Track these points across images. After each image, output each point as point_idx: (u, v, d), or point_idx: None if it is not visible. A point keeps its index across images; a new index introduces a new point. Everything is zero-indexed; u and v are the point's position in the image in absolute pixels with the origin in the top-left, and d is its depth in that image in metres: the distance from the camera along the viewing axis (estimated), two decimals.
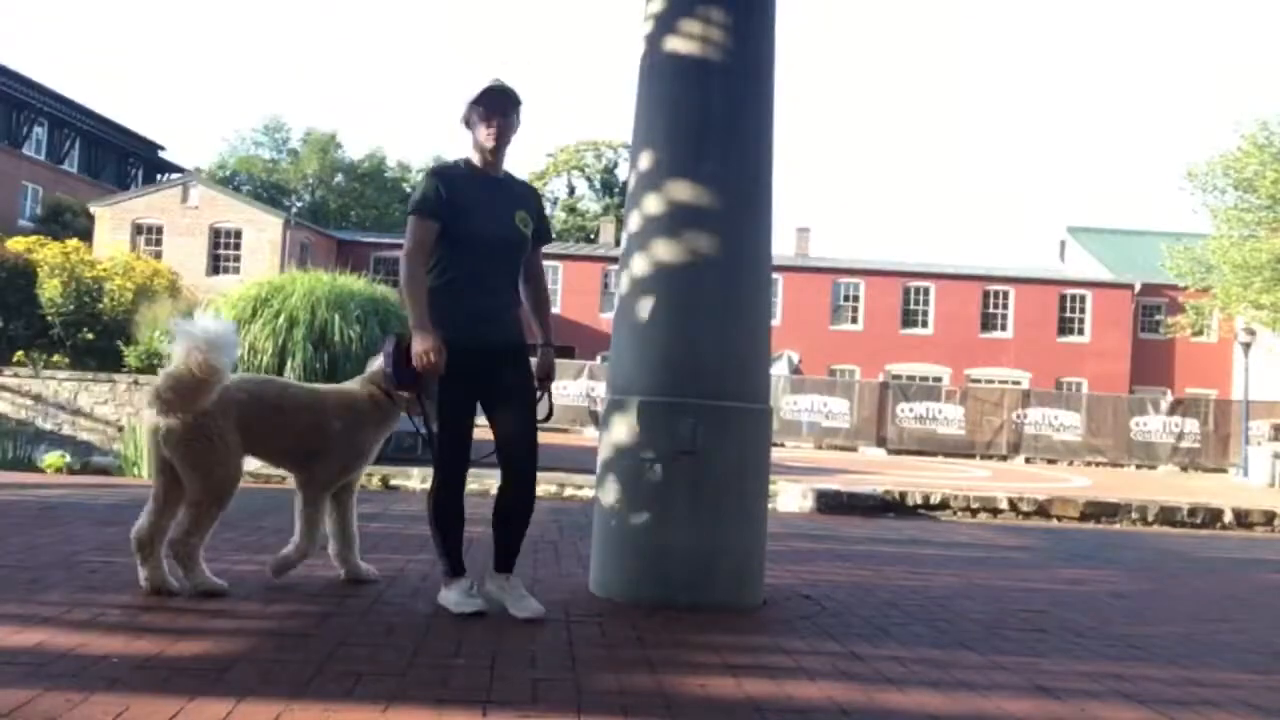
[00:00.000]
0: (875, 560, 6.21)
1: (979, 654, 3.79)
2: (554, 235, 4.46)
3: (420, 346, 3.71)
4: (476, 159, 3.96)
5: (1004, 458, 26.84)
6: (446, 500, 3.90)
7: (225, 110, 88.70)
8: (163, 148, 46.45)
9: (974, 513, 10.48)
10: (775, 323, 14.39)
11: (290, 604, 3.92)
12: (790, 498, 9.93)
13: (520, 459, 3.91)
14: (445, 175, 3.94)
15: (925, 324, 36.98)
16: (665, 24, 4.48)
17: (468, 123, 3.95)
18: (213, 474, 3.89)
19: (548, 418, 4.07)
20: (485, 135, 3.90)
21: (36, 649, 3.10)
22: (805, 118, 78.88)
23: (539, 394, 4.02)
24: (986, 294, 37.10)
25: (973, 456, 26.33)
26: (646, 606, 4.16)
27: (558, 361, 4.33)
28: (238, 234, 33.18)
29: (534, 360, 4.12)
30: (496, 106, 3.90)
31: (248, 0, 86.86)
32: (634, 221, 4.53)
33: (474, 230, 3.83)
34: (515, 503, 3.94)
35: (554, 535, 6.34)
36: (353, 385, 4.34)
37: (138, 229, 32.95)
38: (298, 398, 4.30)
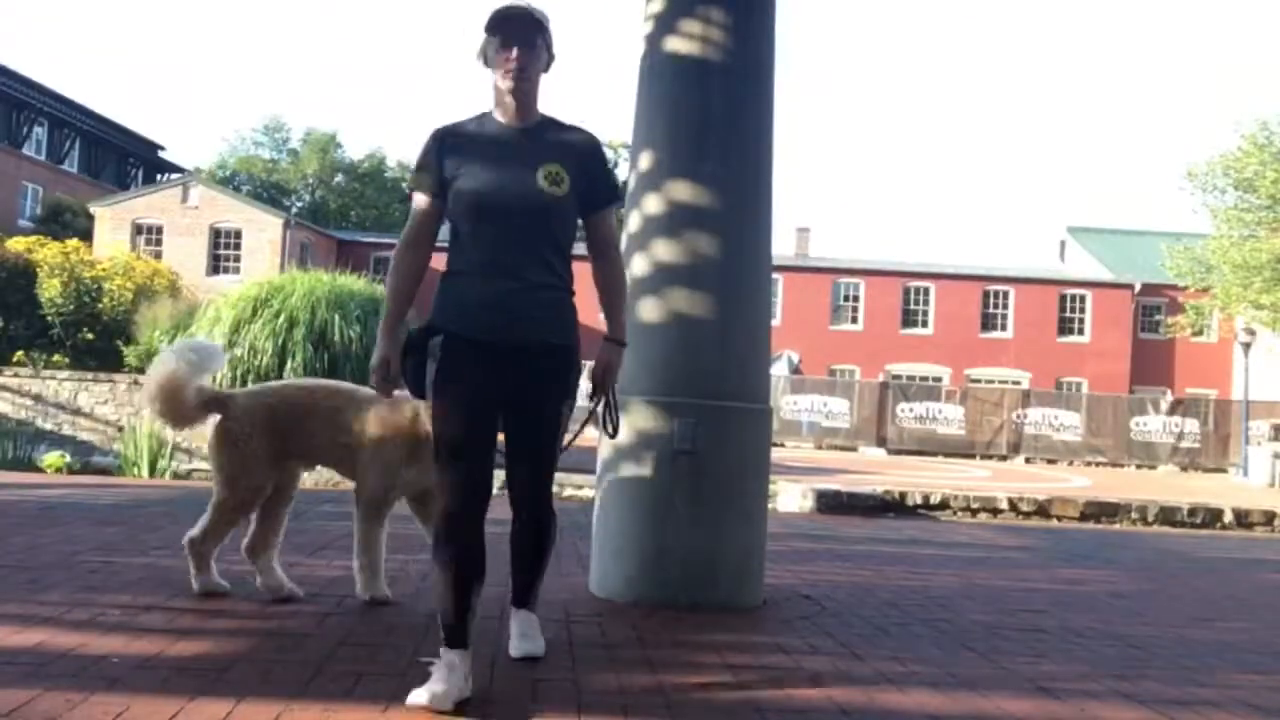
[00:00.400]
0: (875, 560, 6.20)
1: (979, 654, 3.79)
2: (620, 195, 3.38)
3: (372, 359, 3.11)
4: (498, 106, 3.09)
5: (1004, 458, 26.86)
6: (446, 536, 2.96)
7: (225, 110, 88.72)
8: (163, 148, 46.47)
9: (974, 513, 10.48)
10: (775, 323, 14.42)
11: (290, 604, 3.91)
12: (790, 498, 9.93)
13: (521, 494, 3.14)
14: (447, 135, 3.09)
15: (925, 324, 36.98)
16: (665, 24, 4.48)
17: (485, 59, 3.09)
18: (236, 479, 3.87)
19: (613, 433, 3.45)
20: (502, 72, 3.02)
21: (36, 649, 3.10)
22: (805, 118, 78.94)
23: (595, 402, 3.23)
24: (986, 294, 37.10)
25: (973, 456, 26.36)
26: (646, 606, 4.16)
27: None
28: (238, 234, 33.19)
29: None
30: (514, 34, 3.01)
31: (248, 0, 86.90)
32: (634, 221, 4.53)
33: (477, 196, 2.97)
34: (520, 543, 3.23)
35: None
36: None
37: (138, 229, 32.96)
38: (333, 402, 3.94)
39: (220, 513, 3.90)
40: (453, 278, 3.03)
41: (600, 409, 3.26)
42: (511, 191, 2.98)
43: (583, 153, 3.13)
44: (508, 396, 3.00)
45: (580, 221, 3.16)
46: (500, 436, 3.09)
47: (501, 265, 2.96)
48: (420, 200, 3.08)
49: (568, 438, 3.20)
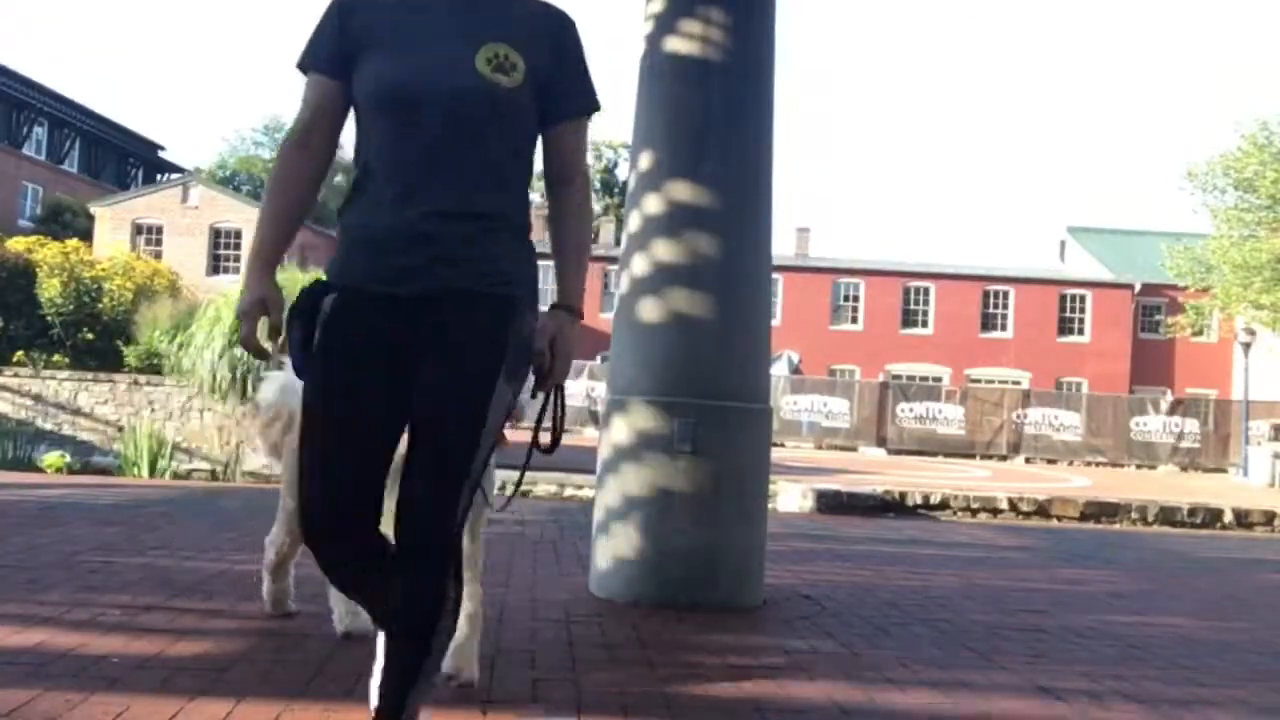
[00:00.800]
0: (875, 560, 6.20)
1: (979, 654, 3.78)
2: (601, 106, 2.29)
3: (239, 303, 2.17)
4: None
5: (1004, 458, 26.87)
6: (322, 565, 2.13)
7: (225, 110, 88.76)
8: (163, 148, 46.50)
9: (974, 513, 10.49)
10: (775, 323, 14.41)
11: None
12: (790, 498, 9.93)
13: (413, 525, 2.03)
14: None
15: (925, 324, 36.98)
16: (665, 24, 4.48)
17: None
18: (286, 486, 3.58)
19: (551, 446, 2.23)
20: None
21: (36, 649, 3.10)
22: (805, 118, 78.94)
23: (543, 396, 2.19)
24: (986, 294, 37.11)
25: (973, 456, 26.36)
26: (646, 606, 4.16)
27: None
28: (238, 234, 33.16)
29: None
30: None
31: (248, 0, 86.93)
32: (634, 221, 4.53)
33: (388, 82, 2.07)
34: (400, 607, 2.08)
35: (554, 535, 6.34)
36: None
37: (138, 229, 32.95)
38: None
39: (281, 518, 3.61)
40: (354, 205, 2.14)
41: (542, 405, 2.19)
42: (438, 78, 2.06)
43: (548, 35, 2.18)
44: (411, 376, 2.04)
45: (540, 136, 2.21)
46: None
47: (420, 184, 2.06)
48: (318, 81, 2.15)
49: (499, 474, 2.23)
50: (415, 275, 2.04)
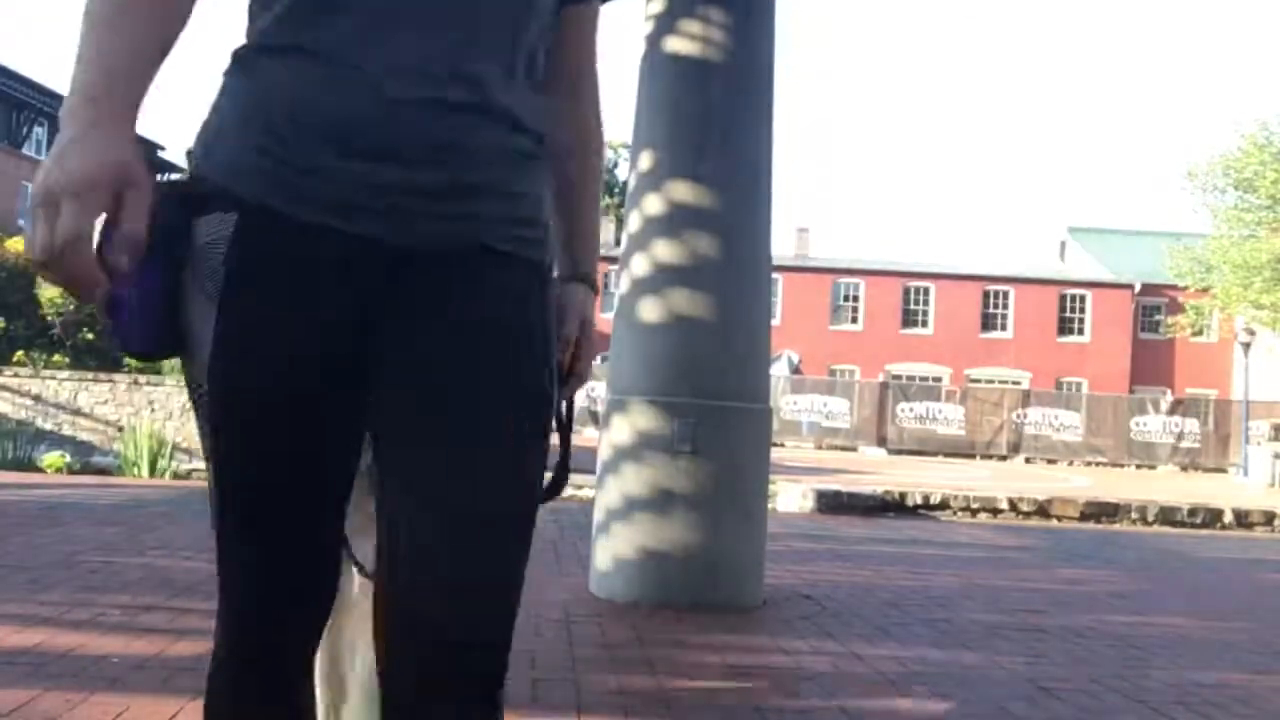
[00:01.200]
0: (875, 560, 6.21)
1: (979, 654, 3.79)
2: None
3: (51, 168, 0.96)
4: None
5: (1004, 458, 26.88)
6: (225, 694, 1.23)
7: None
8: (163, 148, 46.39)
9: (974, 513, 10.48)
10: (775, 323, 14.41)
11: None
12: (790, 498, 9.92)
13: (445, 647, 1.15)
14: None
15: (925, 324, 36.99)
16: (665, 24, 4.48)
17: None
18: None
19: (554, 487, 1.37)
20: None
21: (36, 649, 3.10)
22: (805, 118, 78.97)
23: (554, 410, 1.23)
24: (986, 294, 37.12)
25: (973, 456, 26.38)
26: (646, 606, 4.16)
27: None
28: None
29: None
30: None
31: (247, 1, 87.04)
32: (634, 221, 4.53)
33: None
34: None
35: (554, 535, 6.34)
36: None
37: None
38: None
39: None
40: (272, 63, 1.14)
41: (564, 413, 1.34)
42: None
43: None
44: (404, 379, 1.13)
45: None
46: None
47: (401, 49, 1.09)
48: None
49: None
50: (422, 212, 1.11)
